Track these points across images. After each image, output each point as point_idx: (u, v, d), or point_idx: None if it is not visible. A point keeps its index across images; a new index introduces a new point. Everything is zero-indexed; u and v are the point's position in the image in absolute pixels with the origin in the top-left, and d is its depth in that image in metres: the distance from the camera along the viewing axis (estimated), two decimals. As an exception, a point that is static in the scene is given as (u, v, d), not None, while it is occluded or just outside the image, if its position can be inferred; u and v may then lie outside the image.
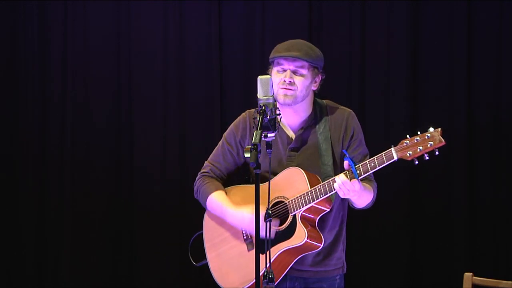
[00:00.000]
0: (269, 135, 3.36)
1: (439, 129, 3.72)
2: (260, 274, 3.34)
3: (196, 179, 4.05)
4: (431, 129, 3.71)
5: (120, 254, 6.14)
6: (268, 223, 3.36)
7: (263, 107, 3.38)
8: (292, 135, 3.90)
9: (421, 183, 5.94)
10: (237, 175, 4.08)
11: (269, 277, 3.31)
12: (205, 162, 4.07)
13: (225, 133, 4.03)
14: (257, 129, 3.33)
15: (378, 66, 6.00)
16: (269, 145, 3.36)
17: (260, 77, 3.46)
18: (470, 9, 5.89)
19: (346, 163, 3.75)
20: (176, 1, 6.14)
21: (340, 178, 3.70)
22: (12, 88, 6.17)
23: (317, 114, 3.91)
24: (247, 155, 3.27)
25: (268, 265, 3.34)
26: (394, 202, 5.90)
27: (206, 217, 4.01)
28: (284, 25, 6.06)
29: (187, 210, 5.96)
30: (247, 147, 3.29)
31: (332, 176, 3.78)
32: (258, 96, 3.42)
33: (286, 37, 6.17)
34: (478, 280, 4.23)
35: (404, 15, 5.96)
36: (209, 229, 3.98)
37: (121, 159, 6.16)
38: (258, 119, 3.36)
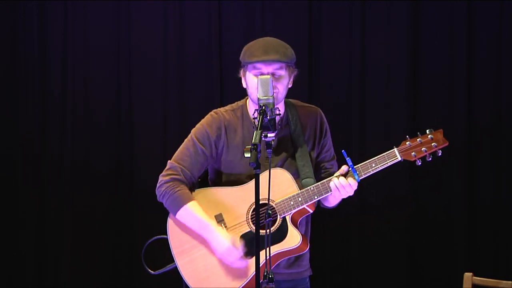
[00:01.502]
0: (269, 135, 3.35)
1: (441, 130, 3.76)
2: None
3: (163, 182, 3.85)
4: (432, 130, 3.72)
5: (120, 254, 6.15)
6: (268, 223, 3.35)
7: (263, 107, 3.38)
8: None
9: (421, 183, 5.94)
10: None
11: (269, 277, 3.31)
12: (171, 162, 3.90)
13: (195, 132, 3.89)
14: (257, 129, 3.33)
15: (378, 66, 6.00)
16: (269, 145, 3.35)
17: (260, 77, 3.46)
18: (470, 9, 5.89)
19: (344, 167, 3.73)
20: (176, 1, 6.14)
21: (340, 180, 3.70)
22: (12, 88, 6.18)
23: (288, 114, 3.87)
24: (247, 155, 3.26)
25: (268, 265, 3.33)
26: (394, 202, 5.90)
27: (170, 222, 3.88)
28: (284, 25, 6.06)
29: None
30: (247, 147, 3.27)
31: (311, 177, 3.77)
32: (258, 96, 3.42)
33: (286, 37, 6.16)
34: (478, 280, 4.23)
35: (404, 15, 5.96)
36: (176, 235, 3.87)
37: (121, 159, 6.16)
38: (258, 119, 3.35)
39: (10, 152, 6.17)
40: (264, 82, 3.42)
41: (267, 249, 3.36)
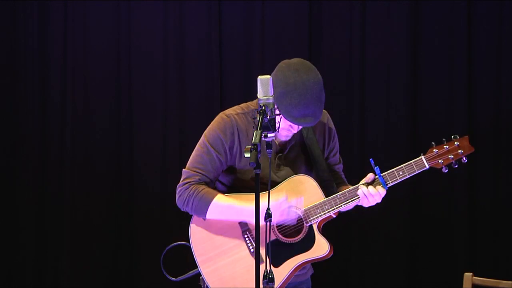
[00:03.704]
0: (269, 135, 3.33)
1: (467, 136, 3.80)
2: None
3: (182, 190, 3.74)
4: (457, 137, 3.78)
5: (120, 255, 6.14)
6: (267, 223, 3.35)
7: (263, 107, 3.36)
8: (279, 141, 3.82)
9: (421, 183, 5.94)
10: None
11: (269, 277, 3.31)
12: (186, 170, 3.79)
13: (209, 139, 3.77)
14: (257, 129, 3.32)
15: (378, 66, 6.00)
16: (269, 145, 3.35)
17: (260, 77, 3.44)
18: (470, 9, 5.89)
19: (370, 175, 3.73)
20: (176, 1, 6.14)
21: (369, 188, 3.70)
22: (12, 88, 6.17)
23: None
24: (247, 155, 3.25)
25: (268, 265, 3.33)
26: (394, 202, 5.90)
27: (193, 229, 3.77)
28: (284, 25, 6.06)
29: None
30: (247, 147, 3.27)
31: (330, 181, 3.77)
32: (258, 96, 3.40)
33: (286, 37, 6.19)
34: (478, 280, 4.23)
35: (404, 15, 5.96)
36: (200, 242, 3.77)
37: (121, 159, 6.16)
38: (258, 119, 3.34)
39: (10, 152, 6.16)
40: (264, 82, 3.40)
41: (267, 248, 3.35)
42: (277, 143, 3.81)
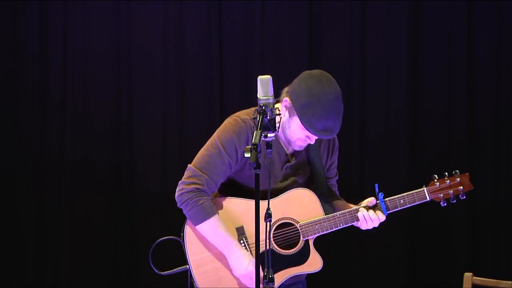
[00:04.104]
0: (269, 135, 3.33)
1: (467, 174, 3.89)
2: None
3: (185, 190, 3.71)
4: (458, 173, 3.87)
5: (120, 255, 6.14)
6: (267, 223, 3.35)
7: (263, 107, 3.36)
8: (288, 152, 3.82)
9: (421, 183, 5.93)
10: None
11: (269, 277, 3.31)
12: (193, 168, 3.74)
13: (223, 141, 3.72)
14: (257, 129, 3.32)
15: (378, 66, 6.00)
16: (269, 145, 3.35)
17: (260, 77, 3.43)
18: (470, 9, 5.89)
19: (371, 199, 3.76)
20: (176, 1, 6.14)
21: (369, 213, 3.74)
22: (12, 88, 6.17)
23: None
24: (247, 155, 3.25)
25: (267, 265, 3.33)
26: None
27: (189, 228, 3.77)
28: (284, 25, 6.06)
29: (187, 210, 5.96)
30: (247, 147, 3.26)
31: (327, 196, 3.79)
32: (258, 96, 3.39)
33: (286, 37, 6.18)
34: (478, 280, 4.23)
35: (404, 15, 5.96)
36: (194, 242, 3.77)
37: (121, 159, 6.16)
38: (258, 119, 3.34)
39: (10, 152, 6.16)
40: (264, 82, 3.39)
41: (267, 248, 3.35)
42: (287, 152, 3.82)
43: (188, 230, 3.77)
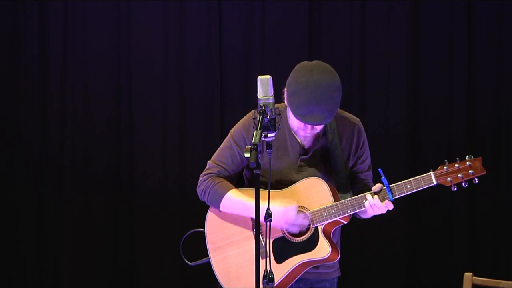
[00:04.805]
0: (269, 135, 3.34)
1: (480, 158, 3.78)
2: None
3: (202, 180, 3.86)
4: (471, 157, 3.77)
5: (120, 255, 6.14)
6: (267, 223, 3.35)
7: (263, 107, 3.37)
8: (303, 143, 3.84)
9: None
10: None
11: (269, 277, 3.31)
12: (209, 162, 3.89)
13: (233, 133, 3.86)
14: (257, 129, 3.32)
15: (378, 66, 6.00)
16: (269, 145, 3.35)
17: (260, 77, 3.44)
18: (470, 9, 5.89)
19: (378, 185, 3.76)
20: (176, 1, 6.14)
21: (374, 199, 3.74)
22: (12, 89, 6.17)
23: (326, 124, 3.84)
24: (247, 155, 3.26)
25: (267, 265, 3.33)
26: (395, 202, 5.89)
27: (210, 217, 3.88)
28: (284, 25, 6.06)
29: (187, 210, 5.96)
30: (247, 147, 3.28)
31: (346, 187, 3.80)
32: (258, 96, 3.40)
33: (286, 37, 6.18)
34: (478, 280, 4.23)
35: (404, 15, 5.96)
36: (214, 230, 3.87)
37: (121, 159, 6.16)
38: (258, 119, 3.35)
39: (10, 152, 6.16)
40: (264, 82, 3.40)
41: (267, 248, 3.36)
42: (301, 145, 3.83)
43: (208, 219, 3.88)
